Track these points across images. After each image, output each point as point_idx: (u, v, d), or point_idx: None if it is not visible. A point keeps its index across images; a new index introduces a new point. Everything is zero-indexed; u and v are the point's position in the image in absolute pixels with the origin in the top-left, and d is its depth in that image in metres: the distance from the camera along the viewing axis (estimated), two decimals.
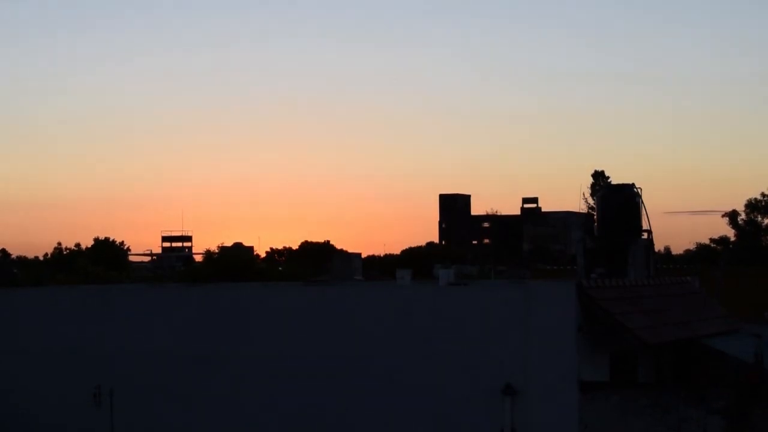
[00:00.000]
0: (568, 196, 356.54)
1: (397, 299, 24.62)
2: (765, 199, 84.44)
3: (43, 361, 27.41)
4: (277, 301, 25.86)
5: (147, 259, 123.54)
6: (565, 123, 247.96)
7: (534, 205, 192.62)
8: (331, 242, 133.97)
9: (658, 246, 67.77)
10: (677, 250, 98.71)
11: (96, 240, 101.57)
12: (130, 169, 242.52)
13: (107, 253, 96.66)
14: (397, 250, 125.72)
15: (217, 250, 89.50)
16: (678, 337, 24.76)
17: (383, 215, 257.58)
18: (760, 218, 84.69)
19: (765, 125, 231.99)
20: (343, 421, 24.21)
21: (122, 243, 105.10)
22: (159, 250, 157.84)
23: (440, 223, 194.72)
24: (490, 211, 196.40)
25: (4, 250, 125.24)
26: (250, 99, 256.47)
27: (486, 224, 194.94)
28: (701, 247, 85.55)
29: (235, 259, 79.43)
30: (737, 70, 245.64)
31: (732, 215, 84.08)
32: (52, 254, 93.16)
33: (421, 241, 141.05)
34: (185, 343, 25.99)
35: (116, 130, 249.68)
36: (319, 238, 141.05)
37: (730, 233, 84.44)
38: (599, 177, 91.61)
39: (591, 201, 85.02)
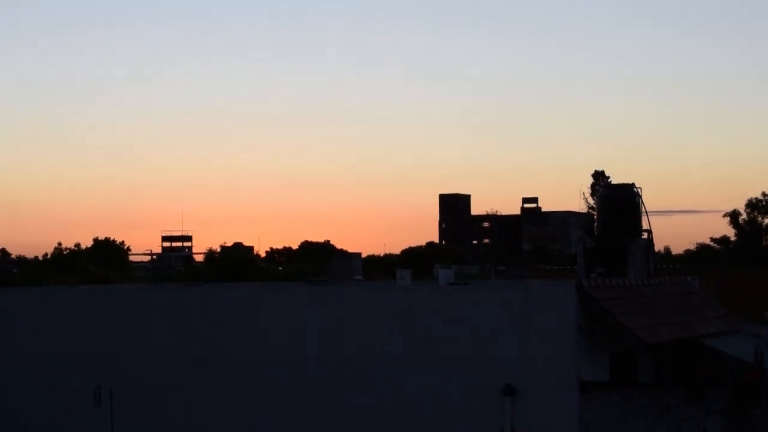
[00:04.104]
0: (568, 196, 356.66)
1: (397, 299, 24.63)
2: (766, 198, 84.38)
3: (43, 361, 27.39)
4: (277, 301, 25.87)
5: (147, 259, 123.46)
6: (565, 123, 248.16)
7: (534, 205, 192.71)
8: (331, 242, 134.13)
9: (658, 246, 67.68)
10: (677, 250, 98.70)
11: (96, 240, 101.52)
12: (130, 169, 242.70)
13: (107, 253, 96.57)
14: (397, 250, 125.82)
15: (217, 250, 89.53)
16: (678, 337, 24.78)
17: (383, 215, 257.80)
18: (760, 218, 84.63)
19: (765, 125, 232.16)
20: (343, 421, 24.21)
21: (122, 243, 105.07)
22: (159, 250, 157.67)
23: (440, 223, 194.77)
24: (490, 211, 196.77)
25: (4, 250, 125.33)
26: (250, 98, 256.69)
27: (486, 224, 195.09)
28: (701, 247, 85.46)
29: (235, 259, 79.41)
30: (737, 70, 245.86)
31: (733, 215, 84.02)
32: (52, 254, 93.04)
33: (421, 241, 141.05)
34: (185, 343, 25.99)
35: (116, 129, 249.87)
36: (319, 238, 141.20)
37: (731, 233, 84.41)
38: (599, 177, 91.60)
39: (591, 201, 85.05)
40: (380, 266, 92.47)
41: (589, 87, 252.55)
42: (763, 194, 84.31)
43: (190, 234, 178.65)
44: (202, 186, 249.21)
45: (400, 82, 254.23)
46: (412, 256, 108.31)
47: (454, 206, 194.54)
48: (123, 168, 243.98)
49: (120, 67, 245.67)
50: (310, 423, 24.53)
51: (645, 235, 28.97)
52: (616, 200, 29.31)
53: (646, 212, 29.12)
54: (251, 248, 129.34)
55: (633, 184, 29.35)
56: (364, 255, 72.44)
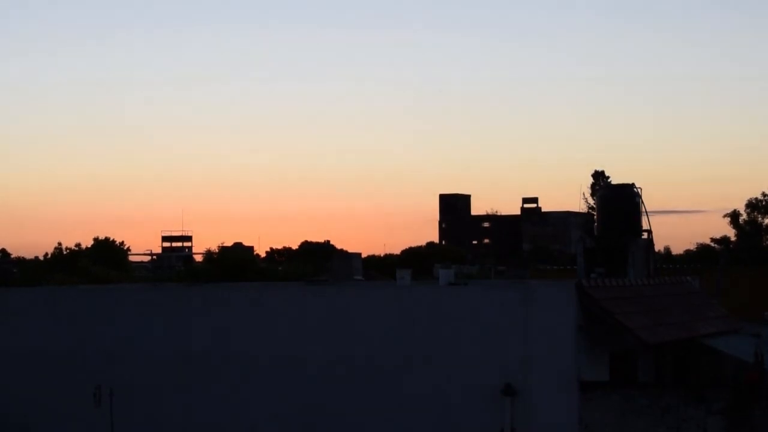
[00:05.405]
0: (568, 196, 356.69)
1: (397, 299, 24.62)
2: (766, 198, 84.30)
3: (43, 361, 27.39)
4: (277, 301, 25.86)
5: (147, 259, 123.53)
6: (565, 123, 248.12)
7: (534, 205, 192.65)
8: (331, 242, 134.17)
9: (658, 246, 67.63)
10: (677, 250, 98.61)
11: (96, 240, 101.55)
12: (131, 168, 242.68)
13: (107, 253, 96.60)
14: (397, 250, 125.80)
15: (217, 250, 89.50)
16: (678, 337, 24.76)
17: (383, 215, 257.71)
18: (760, 218, 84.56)
19: (765, 125, 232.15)
20: (343, 421, 24.20)
21: (122, 243, 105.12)
22: (159, 250, 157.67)
23: (440, 223, 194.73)
24: (490, 211, 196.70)
25: (4, 250, 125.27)
26: (249, 98, 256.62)
27: (486, 224, 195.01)
28: (701, 247, 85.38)
29: (235, 259, 79.39)
30: (737, 70, 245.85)
31: (733, 215, 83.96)
32: (52, 254, 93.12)
33: (421, 241, 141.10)
34: (185, 343, 25.99)
35: (116, 129, 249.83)
36: (319, 238, 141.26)
37: (731, 233, 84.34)
38: (599, 177, 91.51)
39: (591, 201, 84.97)
40: (380, 266, 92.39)
41: (590, 87, 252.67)
42: (763, 194, 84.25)
43: (190, 234, 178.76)
44: (202, 186, 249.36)
45: (400, 81, 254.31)
46: (412, 256, 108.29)
47: (454, 206, 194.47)
48: (123, 168, 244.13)
49: (119, 67, 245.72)
50: (310, 423, 24.52)
51: (645, 235, 28.95)
52: (616, 200, 29.29)
53: (646, 212, 29.12)
54: (251, 248, 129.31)
55: (633, 184, 29.34)
56: (364, 255, 72.37)
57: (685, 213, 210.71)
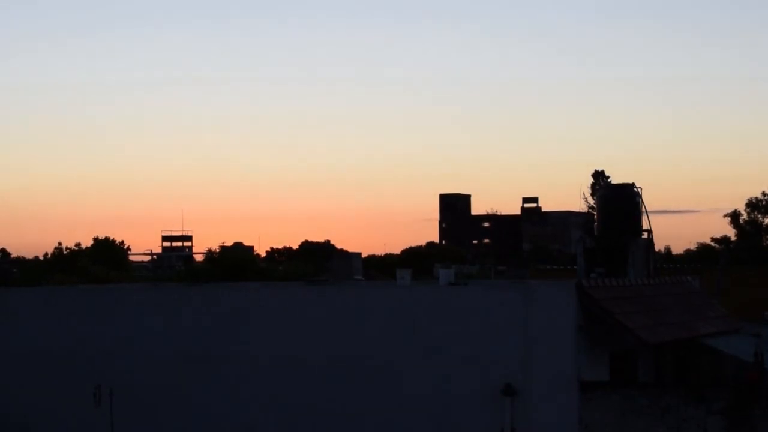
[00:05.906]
0: (568, 196, 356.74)
1: (398, 299, 24.62)
2: (766, 198, 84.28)
3: (43, 361, 27.39)
4: (277, 301, 25.86)
5: (147, 259, 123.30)
6: (565, 123, 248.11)
7: (534, 205, 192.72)
8: (331, 242, 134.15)
9: (658, 246, 67.60)
10: (677, 250, 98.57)
11: (96, 240, 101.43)
12: (131, 168, 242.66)
13: (107, 253, 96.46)
14: (397, 250, 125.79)
15: (217, 250, 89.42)
16: (678, 337, 24.77)
17: (383, 215, 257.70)
18: (760, 218, 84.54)
19: (765, 125, 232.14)
20: (343, 421, 24.20)
21: (122, 243, 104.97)
22: (159, 250, 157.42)
23: (440, 223, 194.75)
24: (490, 211, 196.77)
25: (4, 250, 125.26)
26: (249, 98, 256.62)
27: (486, 224, 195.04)
28: (701, 247, 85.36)
29: (235, 259, 79.29)
30: (737, 70, 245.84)
31: (733, 215, 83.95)
32: (52, 254, 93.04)
33: (421, 241, 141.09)
34: (185, 343, 25.99)
35: (116, 129, 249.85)
36: (319, 238, 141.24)
37: (731, 233, 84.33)
38: (599, 177, 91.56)
39: (591, 201, 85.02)
40: (380, 266, 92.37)
41: (589, 87, 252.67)
42: (763, 194, 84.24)
43: (190, 234, 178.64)
44: (202, 186, 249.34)
45: (400, 81, 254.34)
46: (412, 256, 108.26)
47: (454, 206, 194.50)
48: (123, 168, 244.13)
49: (119, 68, 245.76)
50: (310, 423, 24.52)
51: (645, 235, 28.95)
52: (616, 200, 29.30)
53: (646, 212, 29.12)
54: (251, 248, 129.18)
55: (633, 184, 29.34)
56: (364, 255, 72.43)
57: (685, 213, 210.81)
